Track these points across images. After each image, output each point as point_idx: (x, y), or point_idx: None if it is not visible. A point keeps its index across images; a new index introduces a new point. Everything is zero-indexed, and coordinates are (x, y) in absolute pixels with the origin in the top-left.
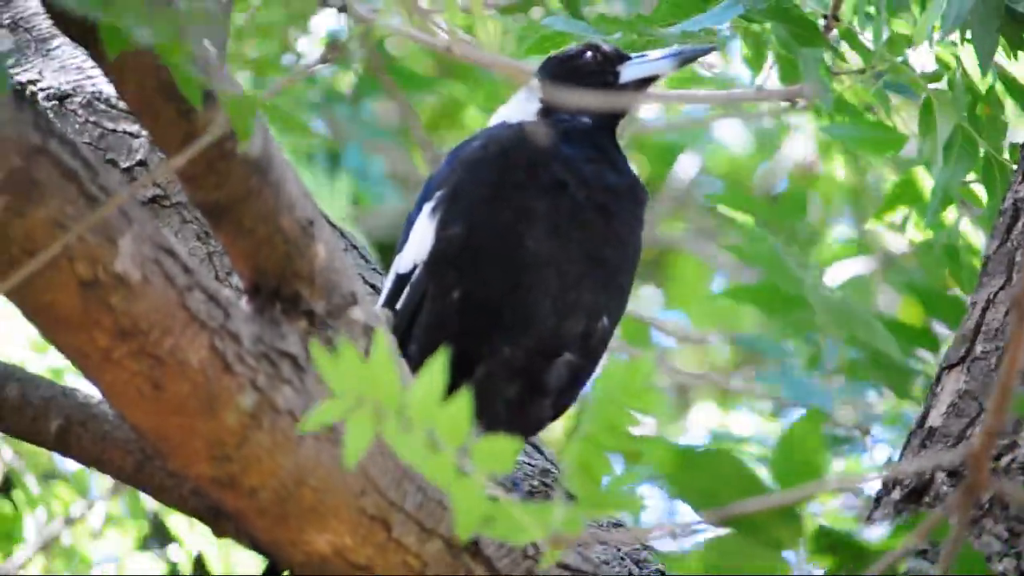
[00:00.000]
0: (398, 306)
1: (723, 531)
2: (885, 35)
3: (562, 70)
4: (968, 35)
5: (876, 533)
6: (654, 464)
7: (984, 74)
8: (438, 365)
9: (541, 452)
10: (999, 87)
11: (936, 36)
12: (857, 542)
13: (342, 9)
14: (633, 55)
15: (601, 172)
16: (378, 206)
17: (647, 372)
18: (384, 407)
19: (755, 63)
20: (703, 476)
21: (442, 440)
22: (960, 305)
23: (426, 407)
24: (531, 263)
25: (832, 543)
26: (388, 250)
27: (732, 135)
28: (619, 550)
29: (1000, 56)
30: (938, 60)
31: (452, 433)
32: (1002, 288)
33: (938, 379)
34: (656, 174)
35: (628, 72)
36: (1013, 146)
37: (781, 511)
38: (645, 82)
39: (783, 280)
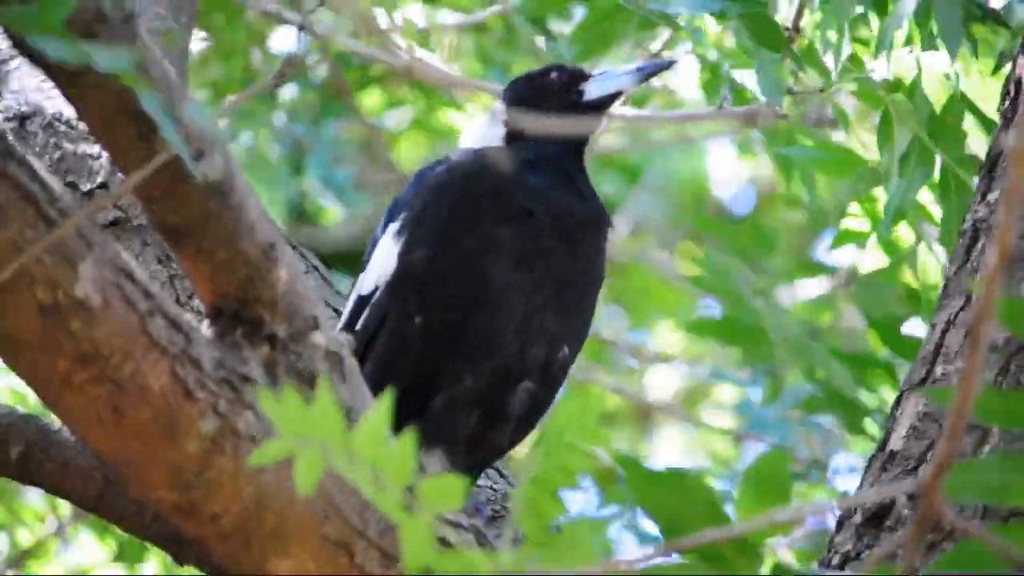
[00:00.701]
0: (357, 327)
1: (682, 560)
2: (846, 52)
3: (527, 90)
4: (930, 40)
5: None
6: (627, 482)
7: (952, 58)
8: (383, 406)
9: (504, 477)
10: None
11: (899, 39)
12: None
13: (301, 28)
14: (595, 72)
15: (566, 200)
16: (332, 219)
17: (596, 406)
18: (329, 446)
19: (710, 88)
20: (672, 497)
21: (388, 479)
22: (917, 344)
23: (371, 447)
24: (495, 289)
25: None
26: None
27: (691, 158)
28: None
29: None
30: (896, 76)
31: (397, 473)
32: (962, 310)
33: (898, 402)
34: (618, 194)
35: (592, 89)
36: (969, 158)
37: (741, 543)
38: (609, 98)
39: (742, 313)
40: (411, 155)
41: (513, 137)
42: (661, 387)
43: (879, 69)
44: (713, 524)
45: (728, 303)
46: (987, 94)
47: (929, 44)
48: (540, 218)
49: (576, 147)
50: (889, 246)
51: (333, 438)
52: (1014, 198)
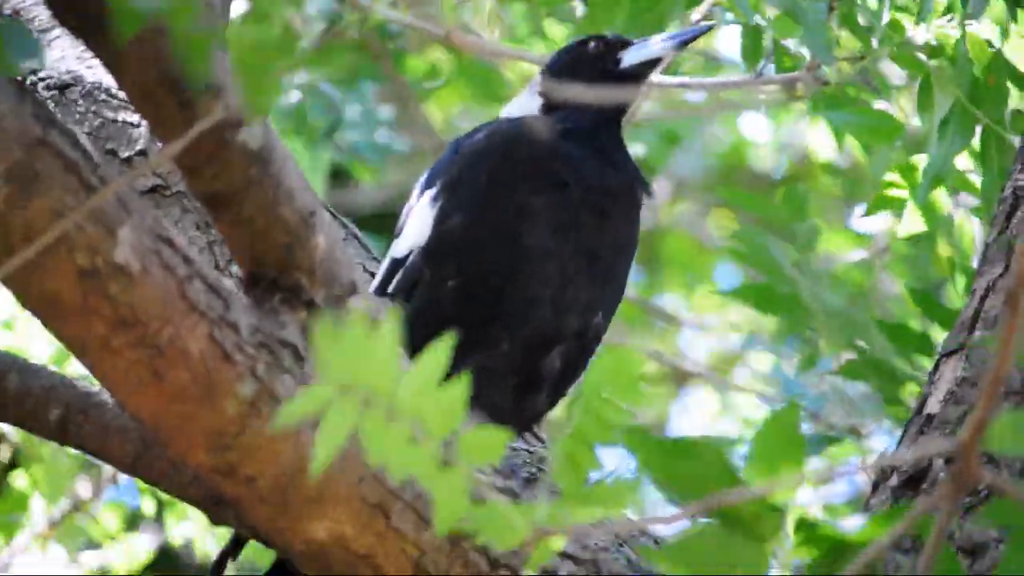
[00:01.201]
0: (390, 289)
1: (704, 523)
2: (886, 18)
3: (566, 60)
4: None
5: (857, 523)
6: (638, 455)
7: (977, 18)
8: (441, 348)
9: (540, 440)
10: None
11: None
12: (838, 534)
13: None
14: (634, 40)
15: (601, 171)
16: (368, 180)
17: (636, 365)
18: (375, 394)
19: (752, 56)
20: (686, 466)
21: (431, 429)
22: (953, 312)
23: (421, 391)
24: (531, 257)
25: (815, 536)
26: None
27: (731, 125)
28: (617, 537)
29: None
30: (938, 39)
31: (443, 421)
32: (1001, 276)
33: (936, 366)
34: (656, 159)
35: (629, 57)
36: (1016, 115)
37: (763, 503)
38: (647, 65)
39: (779, 283)
40: (448, 115)
41: (550, 107)
42: (695, 352)
43: (919, 36)
44: (732, 487)
45: (765, 273)
46: None
47: (968, 11)
48: (574, 188)
49: (613, 116)
50: (927, 212)
51: (385, 382)
52: None
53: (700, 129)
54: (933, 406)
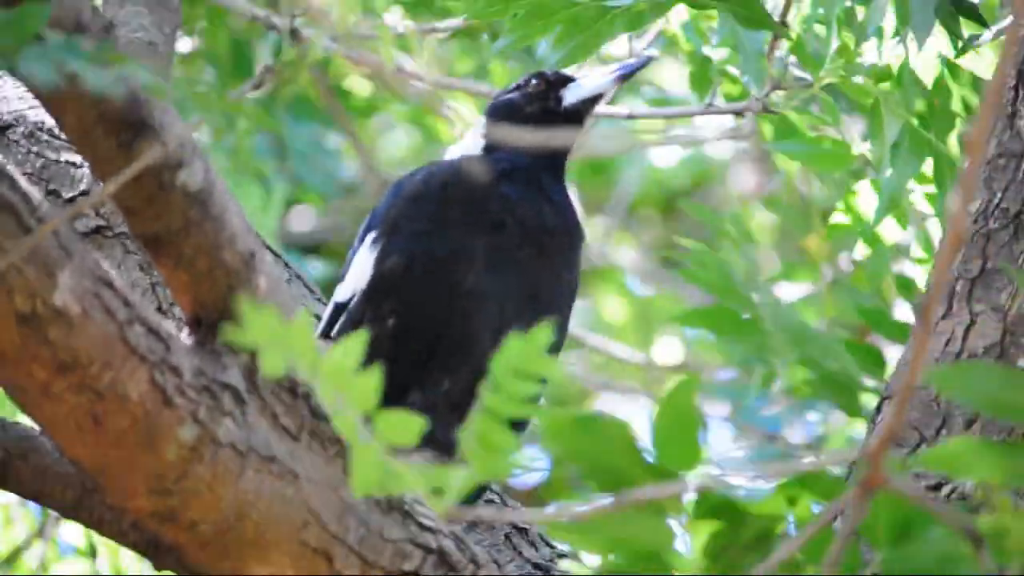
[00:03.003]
0: (333, 333)
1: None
2: (834, 45)
3: (507, 101)
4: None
5: (758, 494)
6: (545, 429)
7: (920, 47)
8: (356, 342)
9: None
10: (948, 78)
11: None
12: (739, 505)
13: (280, 31)
14: (576, 76)
15: (539, 213)
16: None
17: (542, 339)
18: (300, 364)
19: (700, 85)
20: (588, 441)
21: (349, 407)
22: (905, 328)
23: (339, 373)
24: (469, 297)
25: (714, 507)
26: (310, 253)
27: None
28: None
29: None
30: (886, 65)
31: (361, 400)
32: (943, 317)
33: (879, 409)
34: (599, 192)
35: (570, 95)
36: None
37: (662, 476)
38: (589, 103)
39: (735, 302)
40: (397, 152)
41: (491, 148)
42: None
43: (868, 59)
44: (632, 467)
45: (723, 296)
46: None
47: (911, 33)
48: (511, 229)
49: (553, 157)
50: (875, 240)
51: (305, 357)
52: (967, 185)
53: (639, 161)
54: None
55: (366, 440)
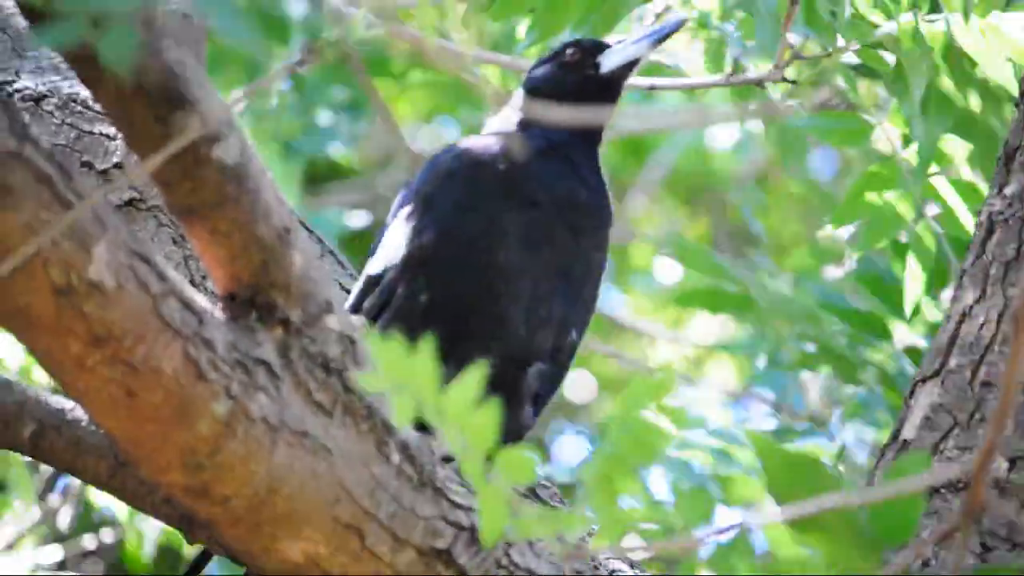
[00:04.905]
0: (365, 305)
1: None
2: (848, 13)
3: (545, 72)
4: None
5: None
6: (763, 463)
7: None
8: (476, 374)
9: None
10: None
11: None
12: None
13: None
14: (610, 43)
15: (571, 189)
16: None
17: (668, 387)
18: (423, 400)
19: (716, 61)
20: (801, 480)
21: (471, 442)
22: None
23: (461, 406)
24: (502, 273)
25: None
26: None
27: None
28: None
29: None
30: (901, 31)
31: (481, 437)
32: (977, 301)
33: (912, 392)
34: (628, 170)
35: (608, 61)
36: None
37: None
38: (627, 68)
39: (727, 282)
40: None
41: (527, 124)
42: (656, 356)
43: (883, 30)
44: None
45: (709, 274)
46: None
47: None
48: (545, 206)
49: (589, 132)
50: (893, 218)
51: (427, 392)
52: None
53: (669, 138)
54: (909, 432)
55: (494, 485)
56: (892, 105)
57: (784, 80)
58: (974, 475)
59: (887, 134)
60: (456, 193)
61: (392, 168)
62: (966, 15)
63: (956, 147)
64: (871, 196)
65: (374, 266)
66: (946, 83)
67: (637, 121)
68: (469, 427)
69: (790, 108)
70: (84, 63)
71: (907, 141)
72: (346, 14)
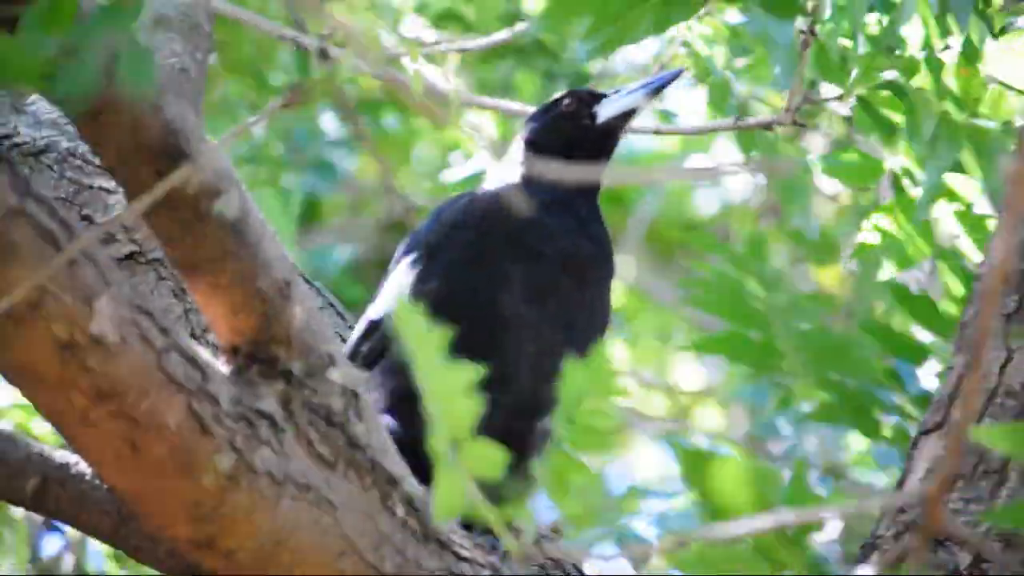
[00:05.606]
0: (364, 349)
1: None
2: (861, 49)
3: (543, 121)
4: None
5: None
6: (683, 467)
7: (962, 31)
8: (479, 369)
9: None
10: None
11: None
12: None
13: (307, 50)
14: (607, 92)
15: (577, 243)
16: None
17: (605, 363)
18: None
19: (719, 106)
20: (727, 484)
21: (444, 423)
22: (951, 320)
23: (448, 389)
24: (506, 324)
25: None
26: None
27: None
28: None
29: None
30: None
31: (455, 423)
32: None
33: (915, 444)
34: (620, 218)
35: (604, 111)
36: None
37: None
38: (623, 118)
39: (749, 325)
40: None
41: (530, 175)
42: (648, 405)
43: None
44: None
45: (734, 320)
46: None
47: (944, 33)
48: (550, 259)
49: (590, 187)
50: (903, 259)
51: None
52: (1014, 219)
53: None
54: (912, 484)
55: (454, 465)
56: (903, 143)
57: (795, 123)
58: (930, 501)
59: (895, 170)
60: (461, 244)
61: (380, 206)
62: (994, 34)
63: (965, 183)
64: (888, 226)
65: (375, 310)
66: (956, 116)
67: (621, 174)
68: (450, 410)
69: (791, 159)
70: (85, 119)
71: (911, 177)
72: (333, 57)
